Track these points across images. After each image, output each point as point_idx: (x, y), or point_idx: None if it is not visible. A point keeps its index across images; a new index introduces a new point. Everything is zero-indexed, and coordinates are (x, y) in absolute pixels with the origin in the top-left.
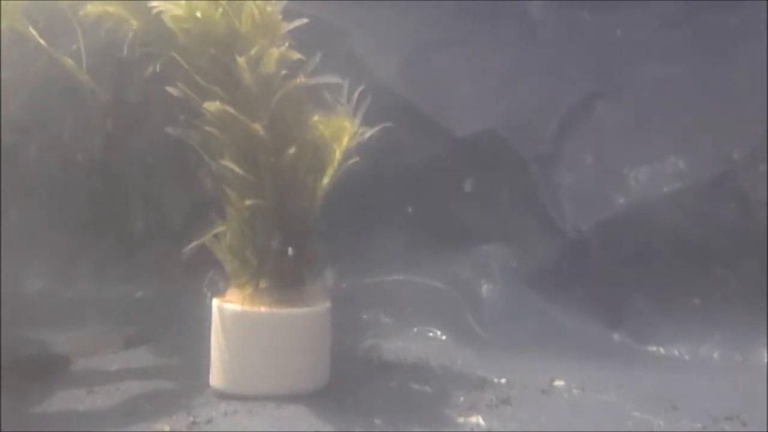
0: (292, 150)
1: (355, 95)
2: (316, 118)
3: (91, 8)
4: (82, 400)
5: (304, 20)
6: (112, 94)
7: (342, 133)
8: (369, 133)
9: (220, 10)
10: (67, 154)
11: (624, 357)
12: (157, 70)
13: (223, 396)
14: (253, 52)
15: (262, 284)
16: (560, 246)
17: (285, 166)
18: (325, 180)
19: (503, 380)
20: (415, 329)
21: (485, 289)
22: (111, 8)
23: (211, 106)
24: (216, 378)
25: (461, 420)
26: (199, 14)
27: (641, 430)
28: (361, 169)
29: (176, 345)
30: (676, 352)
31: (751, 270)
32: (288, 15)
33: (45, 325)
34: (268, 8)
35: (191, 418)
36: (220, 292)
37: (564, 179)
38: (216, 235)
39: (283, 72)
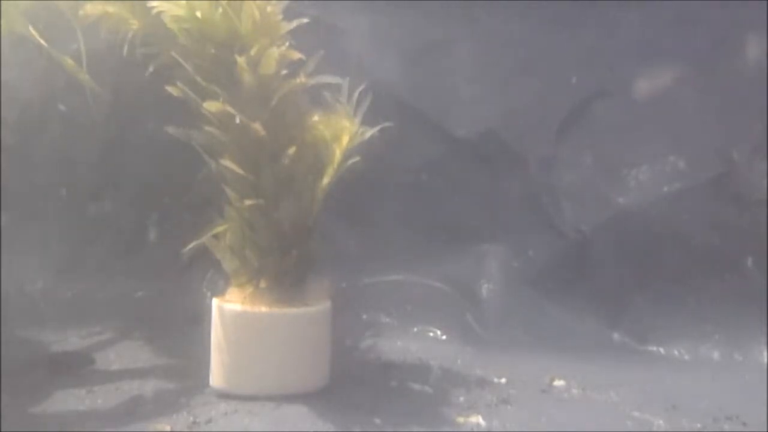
0: (292, 150)
1: (355, 95)
2: (316, 118)
3: (90, 8)
4: (82, 400)
5: (304, 20)
6: (113, 94)
7: (342, 133)
8: (369, 133)
9: (220, 10)
10: (68, 154)
11: (624, 357)
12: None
13: (223, 396)
14: (253, 52)
15: (262, 284)
16: (560, 246)
17: (285, 166)
18: (325, 180)
19: (503, 380)
20: (415, 329)
21: (485, 289)
22: (111, 8)
23: (212, 106)
24: (216, 378)
25: (461, 420)
26: (199, 14)
27: (641, 430)
28: (360, 169)
29: (176, 345)
30: (676, 352)
31: (751, 270)
32: (288, 15)
33: (46, 323)
34: (268, 8)
35: (191, 418)
36: (220, 292)
37: (564, 179)
38: (216, 235)
39: (283, 72)
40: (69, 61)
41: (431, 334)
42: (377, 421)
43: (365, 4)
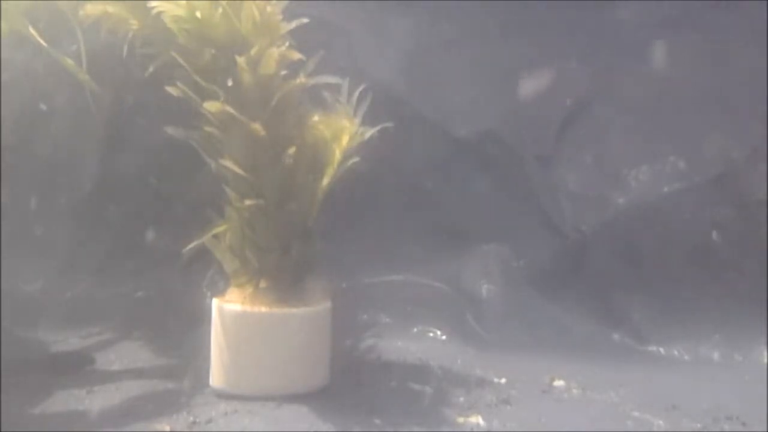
0: (292, 150)
1: (355, 95)
2: (316, 118)
3: (90, 8)
4: (82, 400)
5: (304, 20)
6: (112, 94)
7: (342, 133)
8: (369, 133)
9: (220, 10)
10: (68, 154)
11: (624, 357)
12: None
13: (223, 396)
14: (252, 52)
15: (262, 284)
16: (560, 246)
17: (285, 166)
18: (325, 180)
19: (503, 380)
20: (415, 329)
21: (485, 289)
22: (111, 8)
23: (212, 106)
24: (216, 378)
25: (461, 420)
26: (199, 14)
27: (641, 430)
28: (360, 169)
29: (176, 345)
30: (676, 352)
31: (751, 270)
32: (288, 15)
33: (46, 323)
34: (268, 8)
35: (191, 418)
36: (220, 292)
37: (564, 179)
38: (216, 235)
39: (283, 72)
40: (69, 61)
41: (431, 334)
42: (377, 421)
43: (365, 4)
